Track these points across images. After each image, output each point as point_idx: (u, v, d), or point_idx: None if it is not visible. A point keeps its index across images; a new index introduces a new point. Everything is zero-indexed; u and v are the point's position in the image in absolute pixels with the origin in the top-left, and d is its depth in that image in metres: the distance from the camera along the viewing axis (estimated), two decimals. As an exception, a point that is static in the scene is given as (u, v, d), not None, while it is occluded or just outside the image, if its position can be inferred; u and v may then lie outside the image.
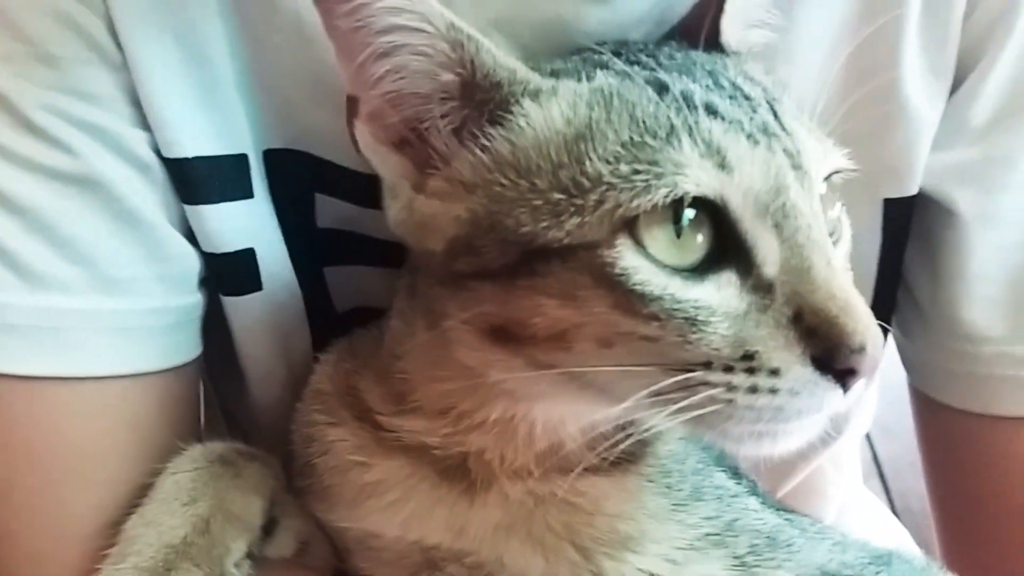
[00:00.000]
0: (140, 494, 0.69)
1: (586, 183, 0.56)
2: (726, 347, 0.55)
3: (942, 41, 0.79)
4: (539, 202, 0.57)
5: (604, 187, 0.56)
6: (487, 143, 0.60)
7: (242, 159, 0.76)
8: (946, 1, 0.77)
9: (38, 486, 0.69)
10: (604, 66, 0.63)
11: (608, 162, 0.56)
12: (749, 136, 0.58)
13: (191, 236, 0.76)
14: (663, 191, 0.55)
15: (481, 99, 0.60)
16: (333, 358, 0.77)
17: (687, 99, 0.58)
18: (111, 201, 0.70)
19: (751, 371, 0.55)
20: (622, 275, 0.55)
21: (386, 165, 0.63)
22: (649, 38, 0.74)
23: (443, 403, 0.67)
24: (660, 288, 0.55)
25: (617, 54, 0.65)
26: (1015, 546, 0.82)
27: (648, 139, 0.57)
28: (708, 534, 0.67)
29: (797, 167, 0.58)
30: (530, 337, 0.59)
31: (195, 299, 0.77)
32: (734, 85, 0.62)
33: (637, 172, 0.55)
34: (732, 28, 0.69)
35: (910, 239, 0.86)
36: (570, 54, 0.68)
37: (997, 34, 0.78)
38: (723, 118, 0.58)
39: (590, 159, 0.57)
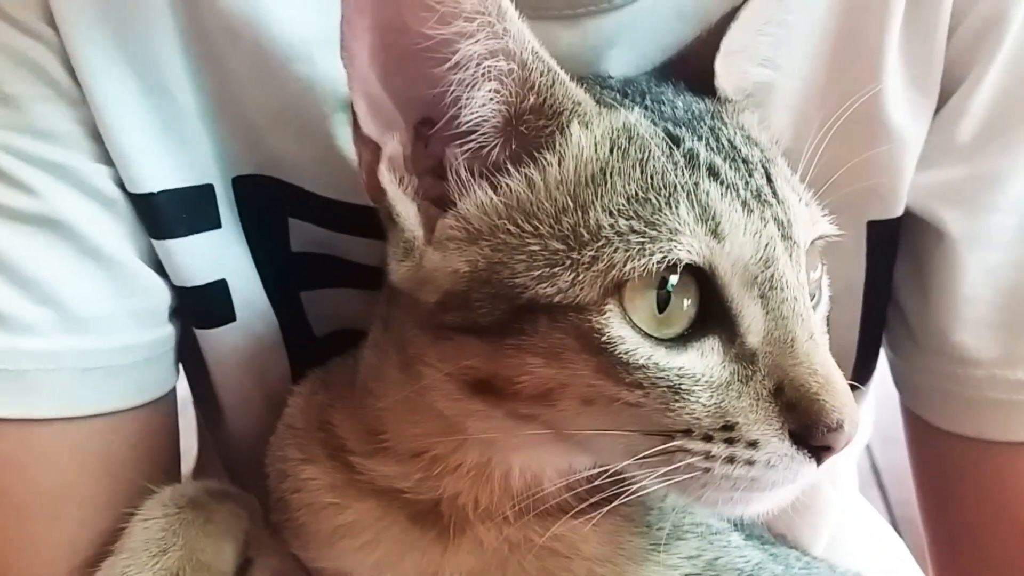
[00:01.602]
0: (114, 534, 0.68)
1: (585, 235, 0.55)
2: (707, 417, 0.55)
3: (926, 57, 0.76)
4: (536, 248, 0.56)
5: (601, 243, 0.55)
6: (503, 184, 0.58)
7: (207, 189, 0.75)
8: (929, 17, 0.74)
9: (9, 523, 0.68)
10: (632, 103, 0.61)
11: (611, 214, 0.55)
12: (744, 203, 0.57)
13: (161, 268, 0.74)
14: (657, 256, 0.54)
15: (529, 131, 0.58)
16: (306, 391, 0.76)
17: (694, 157, 0.58)
18: (75, 239, 0.69)
19: (730, 441, 0.55)
20: (608, 343, 0.54)
21: (407, 213, 0.60)
22: (627, 65, 0.72)
23: (416, 445, 0.66)
24: (645, 357, 0.55)
25: (625, 93, 0.63)
26: (1012, 572, 0.81)
27: (652, 196, 0.56)
28: (688, 574, 0.65)
29: (787, 237, 0.58)
30: (514, 393, 0.57)
31: (166, 332, 0.75)
32: (732, 144, 0.61)
33: (634, 231, 0.55)
34: (728, 71, 0.67)
35: (900, 258, 0.84)
36: (591, 83, 0.65)
37: (983, 50, 0.75)
38: (722, 182, 0.57)
39: (595, 207, 0.56)
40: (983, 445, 0.79)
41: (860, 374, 0.92)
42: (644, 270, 0.54)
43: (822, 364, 0.56)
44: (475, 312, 0.57)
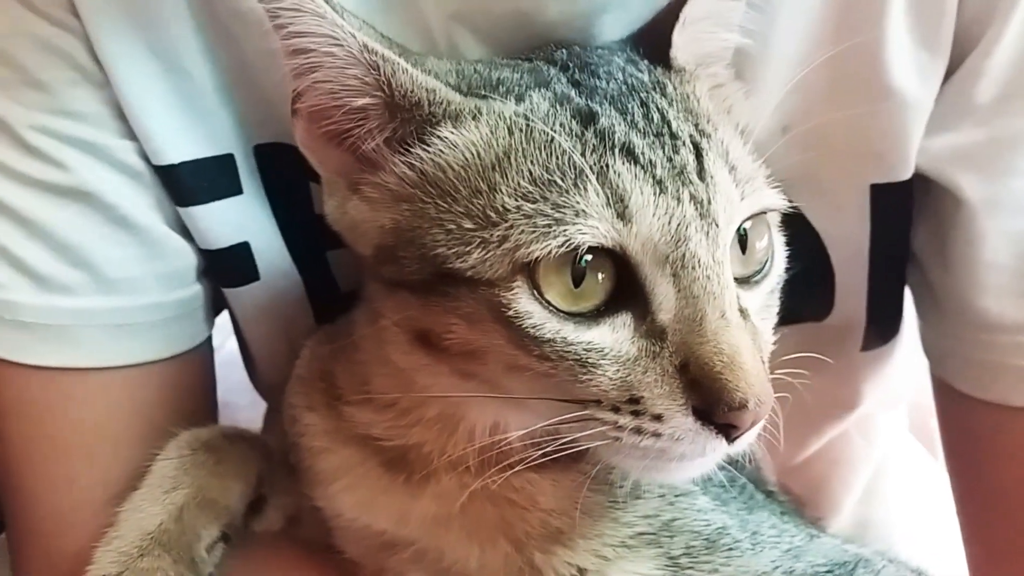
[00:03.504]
0: (143, 473, 0.77)
1: (494, 216, 0.58)
2: (613, 390, 0.57)
3: (936, 17, 0.72)
4: (452, 226, 0.59)
5: (508, 224, 0.57)
6: (415, 158, 0.62)
7: (228, 159, 0.81)
8: None
9: (52, 456, 0.78)
10: (545, 84, 0.63)
11: (517, 197, 0.58)
12: (659, 182, 0.58)
13: (187, 233, 0.82)
14: (559, 240, 0.56)
15: (404, 118, 0.62)
16: (313, 343, 0.82)
17: (606, 137, 0.59)
18: (104, 208, 0.77)
19: (636, 414, 0.57)
20: (515, 317, 0.57)
21: (322, 163, 0.66)
22: (622, 28, 0.73)
23: (389, 396, 0.70)
24: (552, 332, 0.57)
25: (565, 68, 0.65)
26: None
27: (558, 179, 0.58)
28: (642, 533, 0.67)
29: (704, 216, 0.58)
30: (446, 349, 0.62)
31: (194, 291, 0.83)
32: (663, 118, 0.61)
33: (541, 214, 0.57)
34: (686, 40, 0.67)
35: (919, 223, 0.82)
36: (526, 59, 0.68)
37: (1000, 7, 0.71)
38: (636, 161, 0.58)
39: (501, 191, 0.58)
40: (1008, 411, 0.77)
41: (883, 332, 0.90)
42: (546, 252, 0.56)
43: (729, 343, 0.56)
44: (404, 269, 0.61)
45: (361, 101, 0.61)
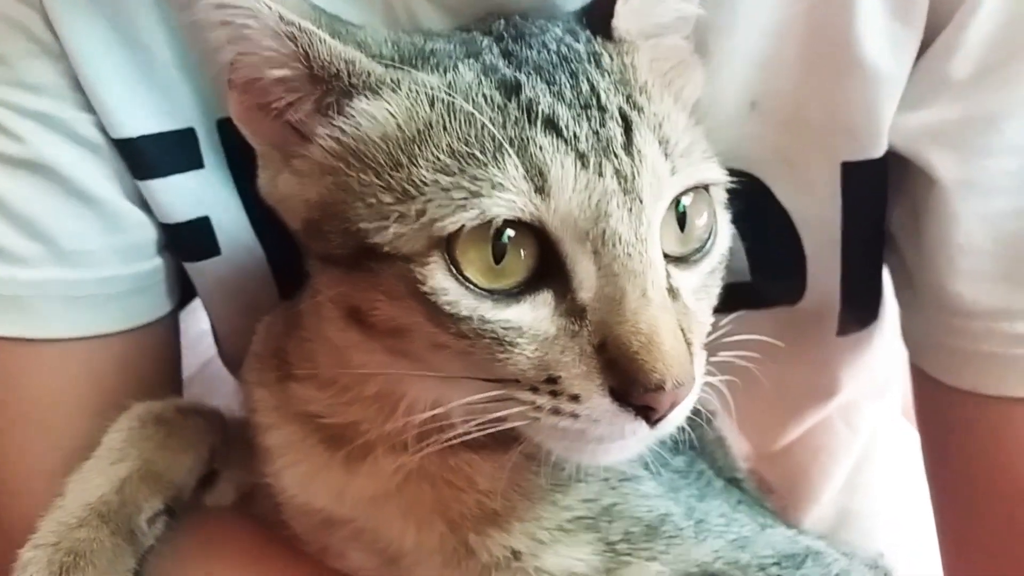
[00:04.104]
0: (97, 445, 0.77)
1: (412, 190, 0.57)
2: (530, 369, 0.56)
3: None
4: (372, 200, 0.58)
5: (426, 198, 0.56)
6: (337, 130, 0.61)
7: (188, 133, 0.80)
8: None
9: (6, 426, 0.78)
10: (476, 55, 0.62)
11: (435, 171, 0.56)
12: (581, 156, 0.56)
13: (147, 206, 0.81)
14: (473, 212, 0.55)
15: (325, 89, 0.61)
16: (269, 319, 0.81)
17: (530, 109, 0.57)
18: (61, 181, 0.77)
19: (554, 394, 0.56)
20: (430, 294, 0.56)
21: (255, 135, 0.66)
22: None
23: (329, 373, 0.70)
24: (469, 309, 0.56)
25: (500, 38, 0.64)
26: (1008, 531, 0.75)
27: (476, 151, 0.56)
28: (581, 517, 0.66)
29: (627, 191, 0.56)
30: (372, 326, 0.61)
31: (154, 264, 0.83)
32: (592, 90, 0.59)
33: (458, 187, 0.55)
34: (632, 10, 0.65)
35: (895, 203, 0.79)
36: (465, 30, 0.67)
37: None
38: (559, 133, 0.57)
39: (420, 164, 0.57)
40: (980, 400, 0.74)
41: (860, 317, 0.87)
42: (458, 225, 0.55)
43: (648, 323, 0.54)
44: (330, 244, 0.60)
45: (281, 72, 0.60)
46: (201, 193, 0.82)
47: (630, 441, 0.58)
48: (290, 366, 0.75)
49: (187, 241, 0.83)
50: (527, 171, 0.55)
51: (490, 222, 0.55)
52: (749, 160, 0.78)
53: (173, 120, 0.80)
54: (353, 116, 0.60)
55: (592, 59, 0.62)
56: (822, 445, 1.01)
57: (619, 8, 0.64)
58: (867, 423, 1.06)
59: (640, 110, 0.59)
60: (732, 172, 0.78)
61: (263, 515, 0.80)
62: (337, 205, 0.60)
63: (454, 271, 0.56)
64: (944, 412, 0.78)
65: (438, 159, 0.57)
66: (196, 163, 0.81)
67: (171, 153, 0.80)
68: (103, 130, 0.78)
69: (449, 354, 0.58)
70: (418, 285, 0.56)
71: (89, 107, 0.77)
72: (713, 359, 0.64)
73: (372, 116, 0.59)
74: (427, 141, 0.57)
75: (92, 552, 0.68)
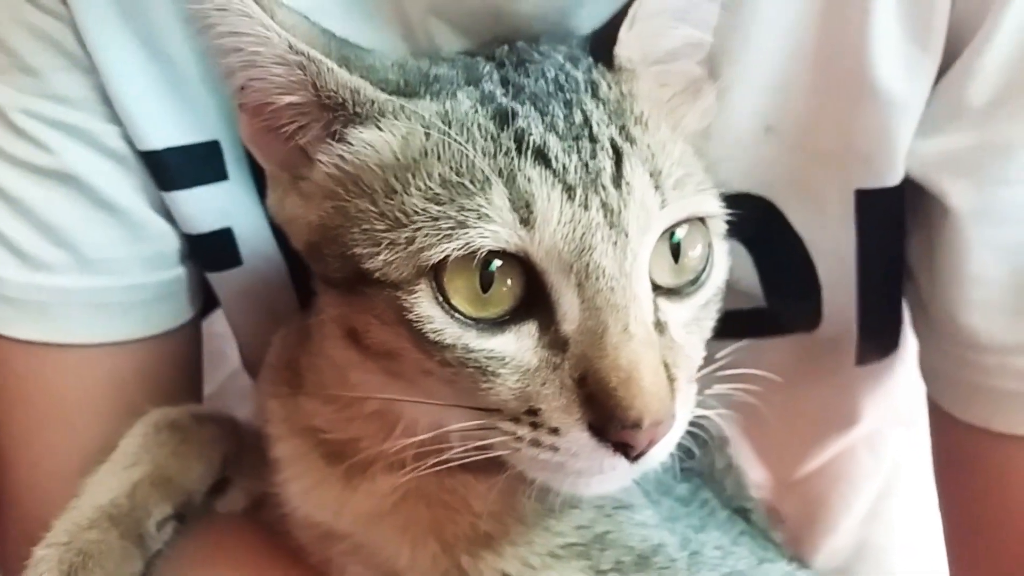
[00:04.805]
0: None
1: (403, 218, 0.57)
2: (512, 400, 0.57)
3: (926, 6, 0.68)
4: (367, 227, 0.59)
5: (416, 226, 0.57)
6: (338, 156, 0.62)
7: (213, 145, 0.82)
8: None
9: (31, 426, 0.81)
10: (476, 82, 0.62)
11: (426, 199, 0.57)
12: (568, 188, 0.56)
13: (171, 216, 0.84)
14: (458, 242, 0.55)
15: (331, 116, 0.62)
16: (284, 331, 0.83)
17: (521, 139, 0.57)
18: (87, 191, 0.79)
19: (535, 426, 0.56)
20: (416, 321, 0.57)
21: (266, 157, 0.67)
22: (599, 23, 0.70)
23: (333, 389, 0.70)
24: (454, 338, 0.57)
25: (501, 65, 0.64)
26: (1019, 574, 0.72)
27: (466, 181, 0.57)
28: (573, 543, 0.66)
29: (613, 224, 0.56)
30: (367, 347, 0.62)
31: (176, 273, 0.85)
32: (585, 120, 0.59)
33: (446, 216, 0.56)
34: (637, 37, 0.64)
35: (912, 231, 0.77)
36: (470, 54, 0.68)
37: (995, 1, 0.66)
38: (548, 165, 0.57)
39: (412, 192, 0.58)
40: (990, 437, 0.72)
41: (880, 347, 0.85)
42: (444, 255, 0.55)
43: (628, 359, 0.54)
44: (329, 267, 0.62)
45: (290, 98, 0.61)
46: (224, 205, 0.84)
47: (609, 475, 0.57)
48: (302, 379, 0.76)
49: (209, 252, 0.85)
50: (514, 203, 0.55)
51: (476, 252, 0.55)
52: (764, 184, 0.77)
53: (198, 133, 0.81)
54: (353, 143, 0.61)
55: (589, 87, 0.61)
56: (844, 474, 0.99)
57: (623, 35, 0.63)
58: (892, 453, 1.03)
59: (632, 141, 0.59)
60: (747, 196, 0.78)
61: (272, 523, 0.81)
62: (335, 229, 0.61)
63: (440, 299, 0.56)
64: (955, 448, 0.76)
65: (429, 188, 0.57)
66: (220, 175, 0.83)
67: (196, 165, 0.82)
68: (129, 142, 0.80)
69: (435, 380, 0.59)
70: (404, 312, 0.57)
71: (116, 119, 0.80)
72: (712, 391, 0.63)
73: (370, 144, 0.60)
74: (420, 170, 0.58)
75: (101, 553, 0.70)
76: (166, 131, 0.80)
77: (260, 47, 0.59)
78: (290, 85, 0.60)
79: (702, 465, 0.76)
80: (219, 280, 0.87)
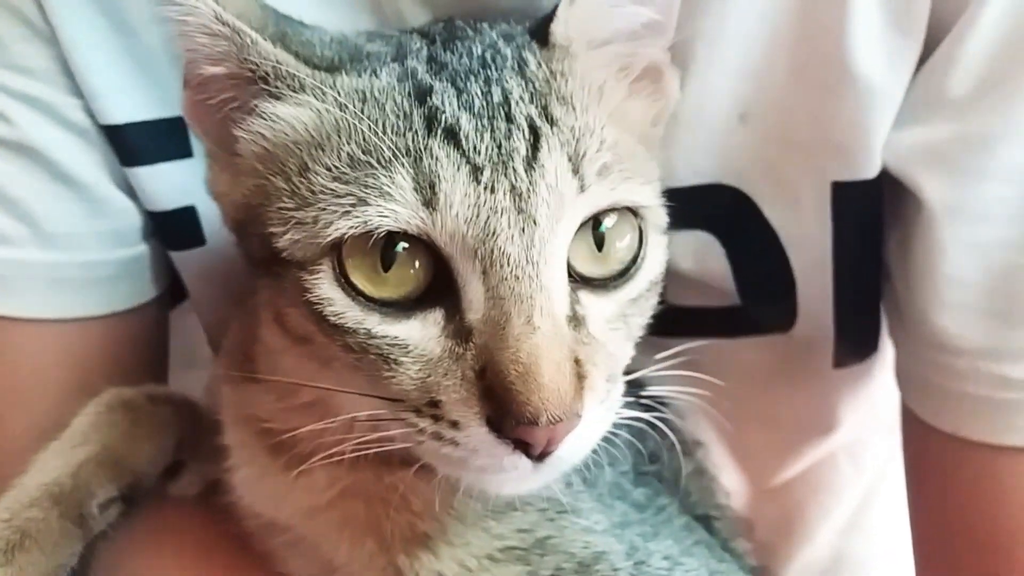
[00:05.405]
0: None
1: (310, 196, 0.56)
2: (414, 390, 0.54)
3: None
4: (280, 204, 0.57)
5: (320, 204, 0.55)
6: (258, 133, 0.60)
7: (178, 121, 0.80)
8: None
9: None
10: (402, 58, 0.60)
11: (332, 177, 0.55)
12: (476, 169, 0.53)
13: (134, 193, 0.82)
14: (356, 221, 0.53)
15: (256, 90, 0.59)
16: (241, 316, 0.80)
17: (433, 118, 0.55)
18: (48, 164, 0.78)
19: (436, 418, 0.54)
20: (317, 302, 0.55)
21: (204, 134, 0.65)
22: None
23: (269, 374, 0.69)
24: (355, 321, 0.55)
25: (432, 41, 0.62)
26: None
27: (372, 159, 0.54)
28: (512, 547, 0.63)
29: (521, 210, 0.53)
30: (288, 331, 0.60)
31: (138, 251, 0.83)
32: (505, 99, 0.56)
33: (349, 195, 0.54)
34: (578, 16, 0.61)
35: (889, 227, 0.73)
36: (406, 31, 0.66)
37: None
38: (457, 145, 0.54)
39: (320, 170, 0.56)
40: (961, 444, 0.69)
41: (858, 349, 0.81)
42: (340, 234, 0.53)
43: (528, 352, 0.51)
44: (251, 246, 0.60)
45: (216, 69, 0.59)
46: (188, 182, 0.82)
47: (513, 474, 0.54)
48: (254, 365, 0.75)
49: (173, 230, 0.84)
50: (418, 183, 0.53)
51: (374, 231, 0.53)
52: (738, 175, 0.74)
53: (163, 108, 0.80)
54: (269, 119, 0.59)
55: (517, 65, 0.58)
56: (823, 483, 0.96)
57: (561, 12, 0.60)
58: (874, 462, 0.99)
59: (553, 122, 0.56)
60: (720, 187, 0.75)
61: (226, 508, 0.80)
62: (256, 208, 0.59)
63: (342, 280, 0.54)
64: (926, 453, 0.73)
65: (336, 166, 0.55)
66: (185, 152, 0.81)
67: (159, 141, 0.80)
68: (92, 115, 0.79)
69: (341, 367, 0.57)
70: (306, 293, 0.55)
71: (78, 92, 0.78)
72: (654, 391, 0.60)
73: (287, 119, 0.58)
74: (331, 147, 0.56)
75: (39, 532, 0.69)
76: (129, 105, 0.79)
77: (187, 16, 0.57)
78: (217, 55, 0.58)
79: (668, 470, 0.73)
80: (182, 260, 0.85)
